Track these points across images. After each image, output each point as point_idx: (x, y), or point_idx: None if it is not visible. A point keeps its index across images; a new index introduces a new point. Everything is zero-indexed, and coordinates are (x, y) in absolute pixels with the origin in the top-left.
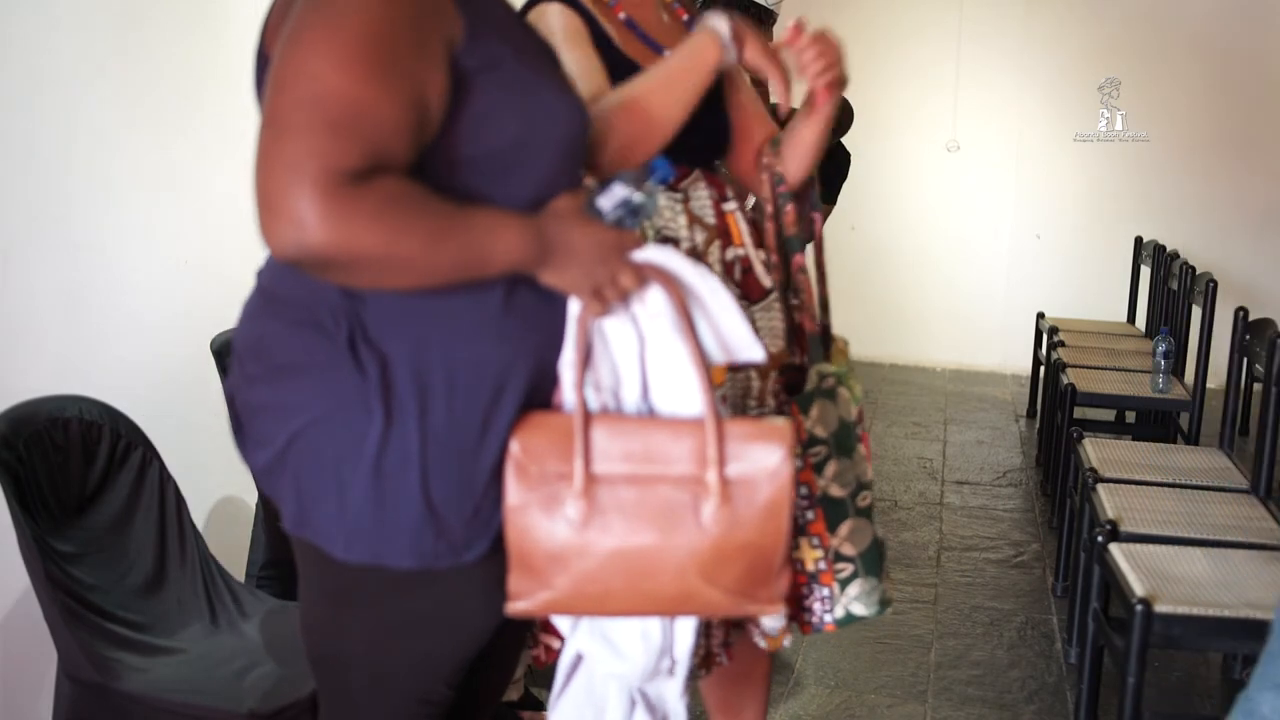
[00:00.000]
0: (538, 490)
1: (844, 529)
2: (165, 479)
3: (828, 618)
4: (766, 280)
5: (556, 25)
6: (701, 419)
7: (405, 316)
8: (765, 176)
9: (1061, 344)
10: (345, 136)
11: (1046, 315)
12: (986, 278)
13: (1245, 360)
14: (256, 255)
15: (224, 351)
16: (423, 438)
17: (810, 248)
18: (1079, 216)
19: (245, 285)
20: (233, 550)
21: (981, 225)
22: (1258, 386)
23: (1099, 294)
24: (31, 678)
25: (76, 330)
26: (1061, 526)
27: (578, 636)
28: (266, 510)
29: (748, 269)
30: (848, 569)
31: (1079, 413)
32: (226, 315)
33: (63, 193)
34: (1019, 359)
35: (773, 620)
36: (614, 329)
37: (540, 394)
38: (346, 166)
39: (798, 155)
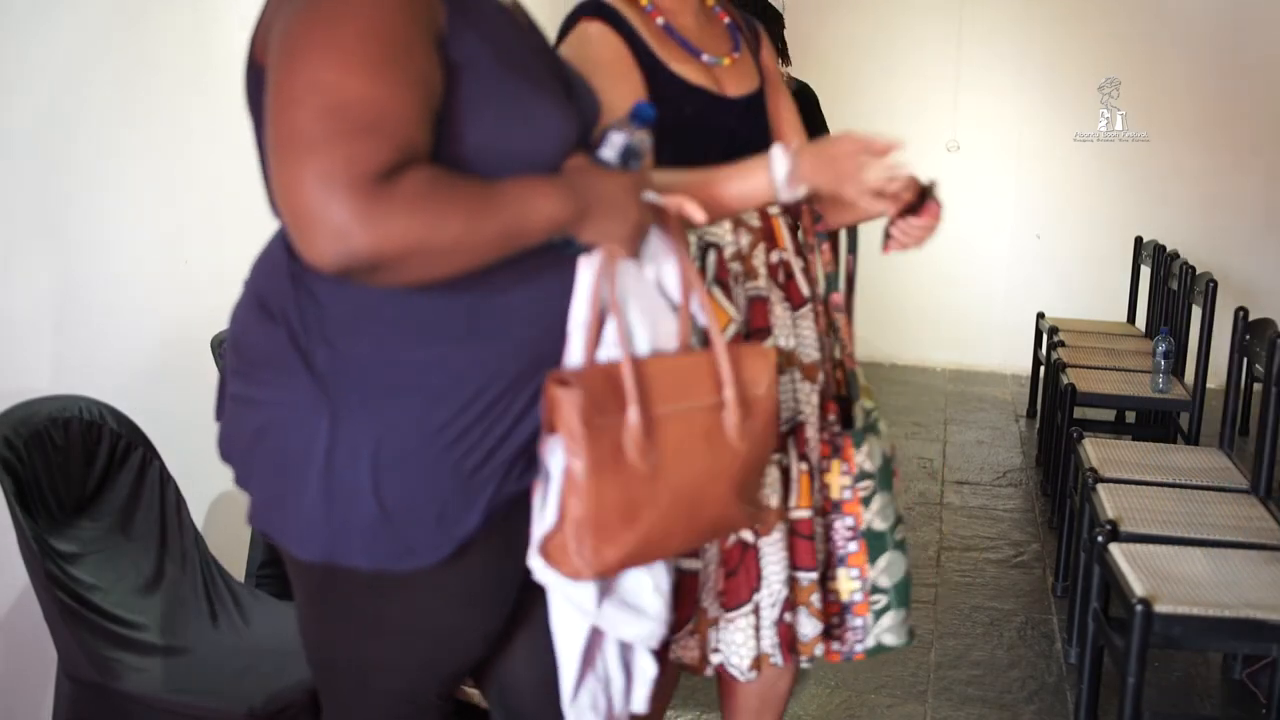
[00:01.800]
0: (607, 443)
1: (882, 561)
2: (165, 479)
3: (858, 647)
4: (806, 288)
5: (596, 56)
6: (695, 350)
7: (362, 314)
8: (805, 208)
9: (1061, 344)
10: (370, 138)
11: (1046, 315)
12: (986, 278)
13: (1245, 360)
14: (255, 254)
15: (224, 350)
16: (376, 437)
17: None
18: (1079, 216)
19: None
20: (233, 550)
21: (981, 225)
22: (1258, 386)
23: (1099, 294)
24: (31, 678)
25: (76, 330)
26: (1061, 526)
27: (602, 611)
28: None
29: (790, 275)
30: (882, 600)
31: (1079, 413)
32: (226, 315)
33: (63, 193)
34: (1019, 359)
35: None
36: (629, 272)
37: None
38: (376, 167)
39: (837, 216)
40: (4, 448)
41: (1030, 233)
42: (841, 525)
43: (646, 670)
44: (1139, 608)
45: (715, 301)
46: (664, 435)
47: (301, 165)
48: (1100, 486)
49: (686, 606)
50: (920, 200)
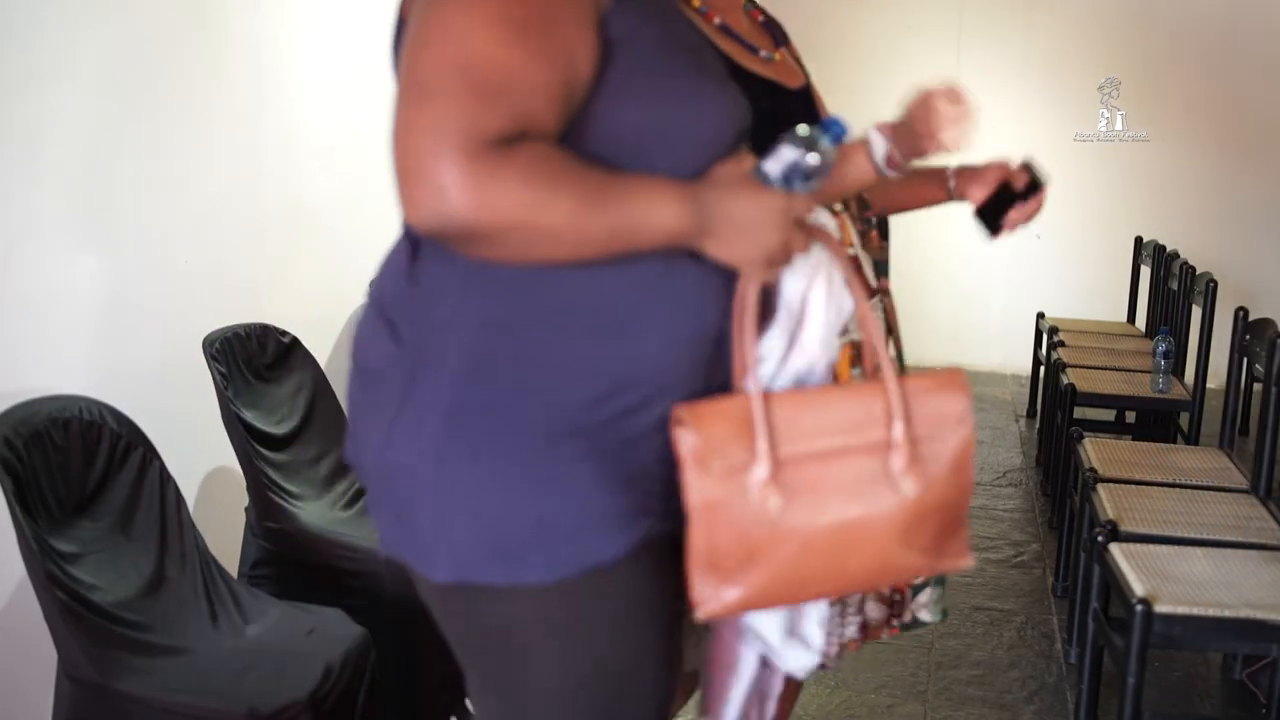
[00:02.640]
0: (724, 484)
1: None
2: (165, 479)
3: (895, 621)
4: (874, 281)
5: None
6: (871, 382)
7: (483, 310)
8: (853, 198)
9: (1061, 344)
10: (491, 101)
11: (1046, 315)
12: (986, 278)
13: (1245, 360)
14: (255, 255)
15: (216, 350)
16: (499, 442)
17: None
18: (1079, 216)
19: (244, 285)
20: (232, 550)
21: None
22: (1258, 386)
23: (1099, 294)
24: (31, 678)
25: (76, 330)
26: (1061, 526)
27: (770, 639)
28: (257, 510)
29: (858, 268)
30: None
31: (1079, 413)
32: (224, 315)
33: (62, 193)
34: (1019, 359)
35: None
36: (790, 292)
37: (686, 391)
38: (492, 131)
39: (885, 202)
40: (4, 448)
41: (1030, 233)
42: None
43: (776, 688)
44: (1139, 608)
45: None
46: (800, 476)
47: (417, 112)
48: (1100, 486)
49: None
50: (1030, 189)
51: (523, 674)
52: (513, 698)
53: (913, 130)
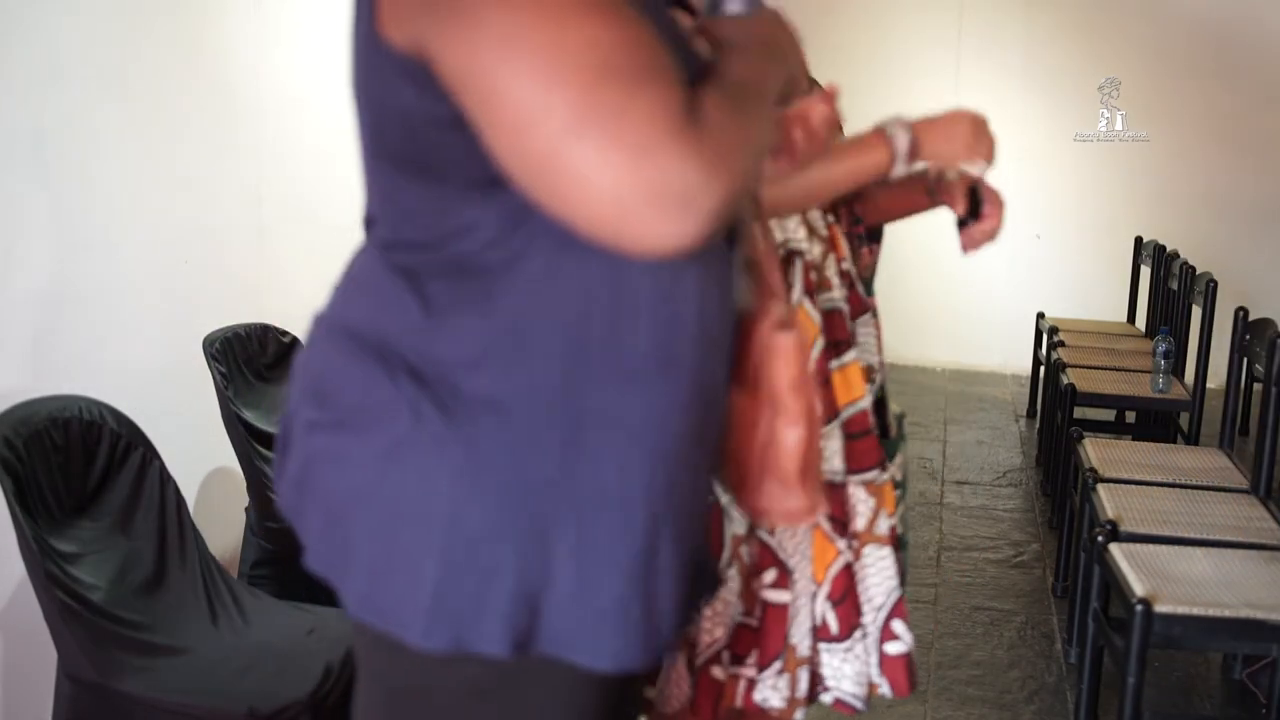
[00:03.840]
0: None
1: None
2: (165, 479)
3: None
4: (864, 295)
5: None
6: None
7: (514, 347)
8: (844, 210)
9: (1061, 344)
10: (655, 81)
11: (1046, 315)
12: (986, 278)
13: (1245, 360)
14: (255, 255)
15: (217, 350)
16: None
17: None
18: (1079, 216)
19: (243, 285)
20: (232, 550)
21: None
22: (1258, 386)
23: (1099, 294)
24: (31, 678)
25: (76, 330)
26: (1061, 526)
27: None
28: (257, 510)
29: (852, 283)
30: None
31: (1079, 413)
32: (224, 314)
33: (62, 192)
34: (1019, 359)
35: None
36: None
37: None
38: (680, 108)
39: (878, 213)
40: (4, 448)
41: (1030, 233)
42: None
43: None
44: (1139, 608)
45: (805, 313)
46: None
47: (595, 146)
48: (1100, 486)
49: (776, 641)
50: (974, 206)
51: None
52: None
53: (957, 139)
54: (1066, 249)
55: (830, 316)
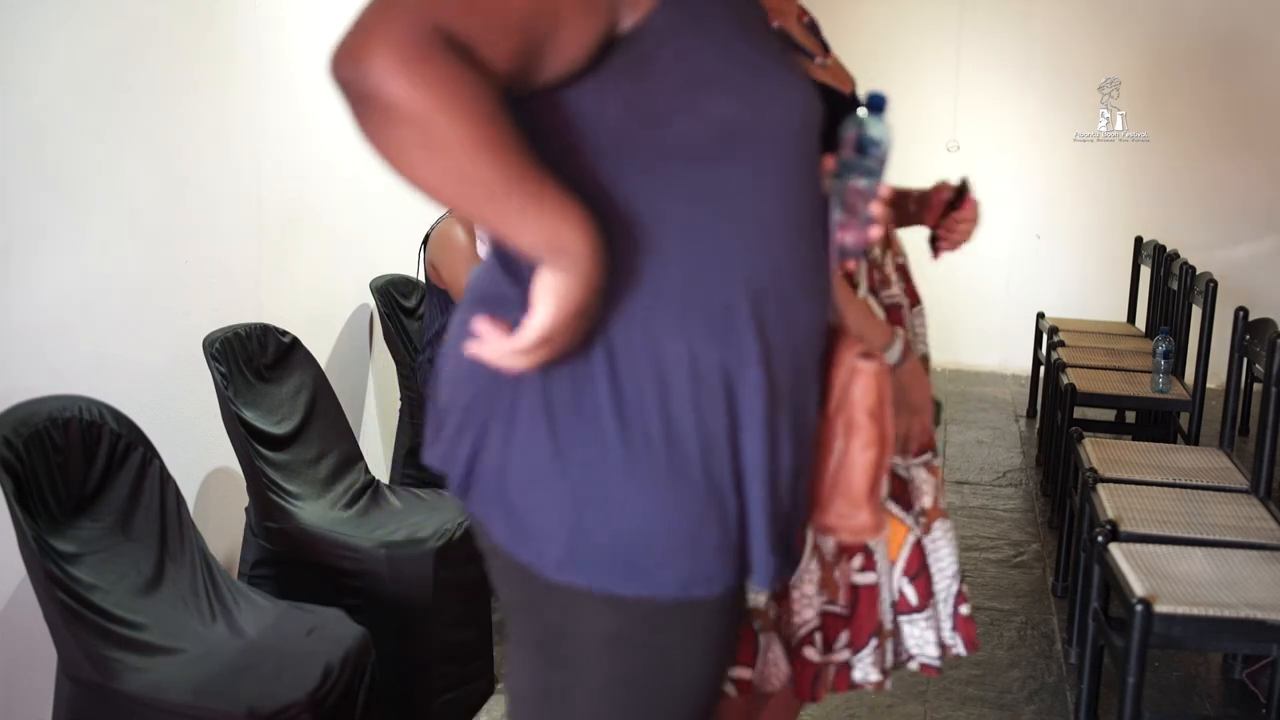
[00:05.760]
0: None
1: None
2: (165, 479)
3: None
4: (919, 287)
5: None
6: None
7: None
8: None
9: (1061, 344)
10: (459, 4)
11: (1046, 315)
12: (986, 278)
13: (1245, 360)
14: (256, 255)
15: (216, 350)
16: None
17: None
18: (1079, 216)
19: (243, 285)
20: (232, 550)
21: (981, 225)
22: (1258, 386)
23: (1099, 294)
24: (31, 678)
25: (76, 330)
26: (1061, 526)
27: None
28: (257, 510)
29: (906, 276)
30: None
31: (1079, 413)
32: (224, 315)
33: (63, 192)
34: (1019, 359)
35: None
36: None
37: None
38: (444, 21)
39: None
40: (4, 448)
41: (1030, 233)
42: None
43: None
44: (1139, 608)
45: (871, 309)
46: None
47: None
48: (1100, 486)
49: (870, 620)
50: (957, 198)
51: (574, 673)
52: (557, 685)
53: (912, 206)
54: (1066, 249)
55: (892, 311)
